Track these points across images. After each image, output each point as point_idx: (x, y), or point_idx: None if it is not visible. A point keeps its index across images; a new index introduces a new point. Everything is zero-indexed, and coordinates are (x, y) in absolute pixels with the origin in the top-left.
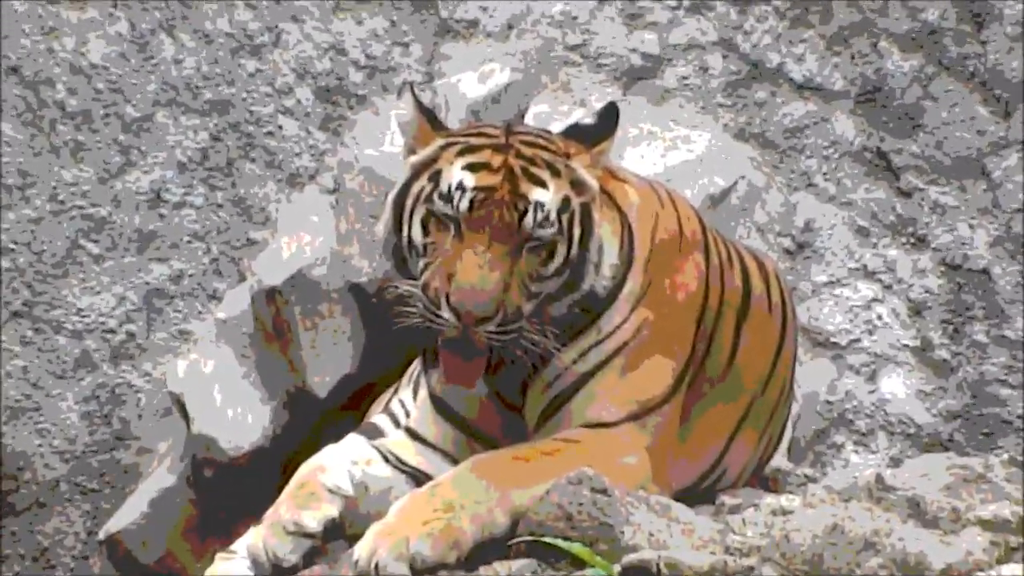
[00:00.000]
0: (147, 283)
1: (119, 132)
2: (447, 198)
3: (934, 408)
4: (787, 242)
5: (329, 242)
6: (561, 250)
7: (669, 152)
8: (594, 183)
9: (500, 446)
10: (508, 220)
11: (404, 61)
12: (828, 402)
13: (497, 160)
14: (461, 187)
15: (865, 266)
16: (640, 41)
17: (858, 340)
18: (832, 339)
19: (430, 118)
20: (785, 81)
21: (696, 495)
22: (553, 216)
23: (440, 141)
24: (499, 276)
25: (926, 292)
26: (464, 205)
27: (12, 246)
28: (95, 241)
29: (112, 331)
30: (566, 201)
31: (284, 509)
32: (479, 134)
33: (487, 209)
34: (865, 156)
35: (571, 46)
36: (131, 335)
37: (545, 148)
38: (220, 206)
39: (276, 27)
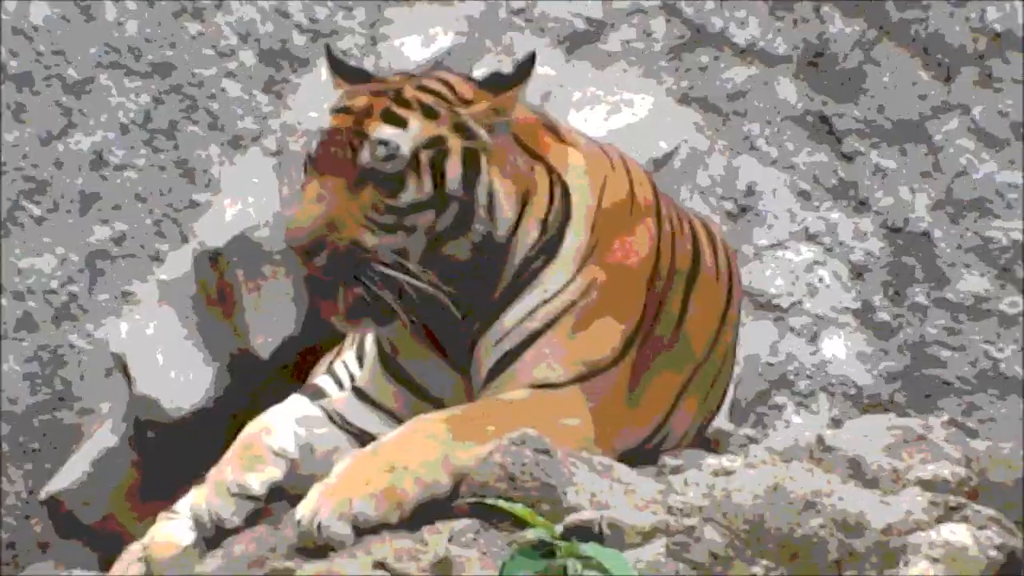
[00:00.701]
0: (89, 244)
1: (61, 94)
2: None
3: (875, 370)
4: (729, 205)
5: (272, 204)
6: (414, 184)
7: (612, 116)
8: (482, 132)
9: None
10: (342, 156)
11: (347, 24)
12: (770, 364)
13: (361, 102)
14: (317, 131)
15: (807, 229)
16: (584, 5)
17: (800, 302)
18: (774, 301)
19: (343, 72)
20: (728, 45)
21: (638, 456)
22: (405, 151)
23: (341, 92)
24: (321, 209)
25: (867, 255)
26: (313, 147)
27: None
28: (37, 203)
29: (54, 292)
30: (437, 140)
31: (229, 470)
32: (381, 81)
33: (328, 148)
34: (807, 120)
35: (515, 10)
36: (73, 296)
37: (434, 93)
38: (163, 168)
39: None
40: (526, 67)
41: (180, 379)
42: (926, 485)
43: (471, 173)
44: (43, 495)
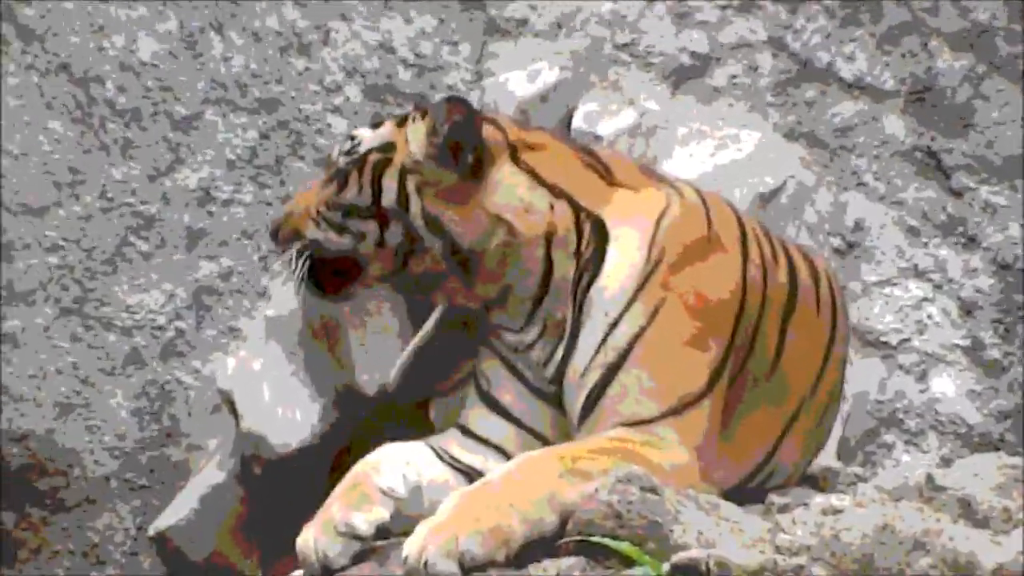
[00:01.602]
0: (196, 280)
1: (168, 130)
2: None
3: (985, 408)
4: (837, 241)
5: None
6: (355, 185)
7: (718, 151)
8: (413, 149)
9: (549, 440)
10: (331, 155)
11: (453, 60)
12: (879, 401)
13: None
14: None
15: (916, 265)
16: (689, 40)
17: (909, 340)
18: (883, 338)
19: None
20: (835, 80)
21: (745, 495)
22: (361, 148)
23: None
24: (296, 200)
25: (977, 292)
26: None
27: (62, 243)
28: (144, 238)
29: (161, 328)
30: (389, 147)
31: (336, 509)
32: None
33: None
34: (915, 155)
35: (620, 45)
36: (180, 332)
37: (428, 113)
38: (269, 204)
39: (325, 25)
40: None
41: (287, 415)
42: None
43: (403, 192)
44: (151, 531)
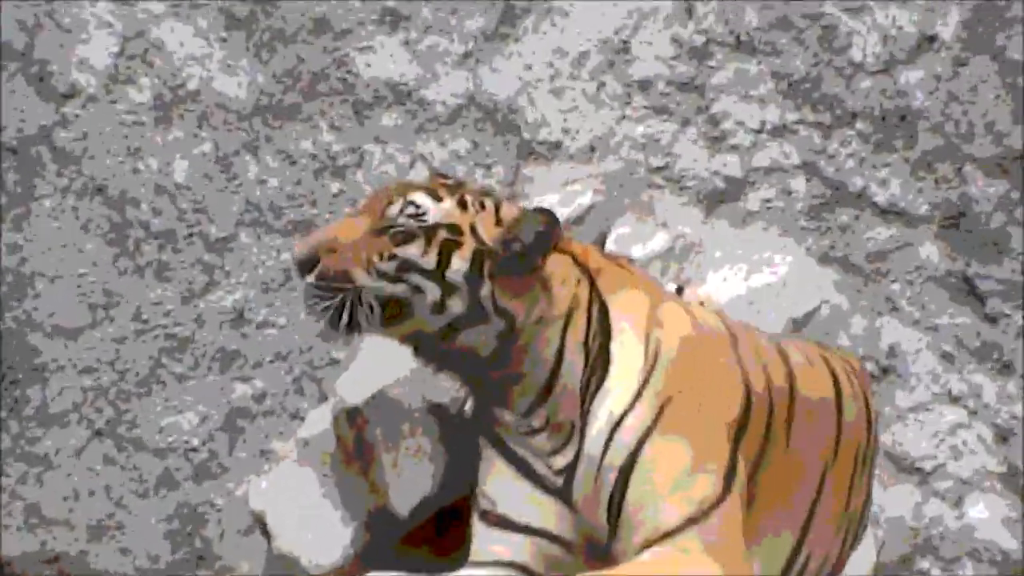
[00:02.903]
0: (229, 402)
1: (203, 252)
2: None
3: (1021, 535)
4: (871, 366)
5: (409, 361)
6: (419, 248)
7: (752, 275)
8: (486, 238)
9: (562, 539)
10: (377, 204)
11: (487, 182)
12: (913, 528)
13: (425, 181)
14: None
15: (950, 391)
16: (723, 164)
17: (943, 465)
18: (917, 464)
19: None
20: (868, 205)
21: None
22: (428, 218)
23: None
24: (332, 235)
25: (1012, 418)
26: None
27: (95, 365)
28: (178, 360)
29: (195, 450)
30: (456, 229)
31: None
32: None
33: (373, 197)
34: (950, 281)
35: (654, 168)
36: (213, 454)
37: (480, 200)
38: (303, 325)
39: (359, 148)
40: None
41: (319, 537)
42: None
43: (474, 273)
44: None
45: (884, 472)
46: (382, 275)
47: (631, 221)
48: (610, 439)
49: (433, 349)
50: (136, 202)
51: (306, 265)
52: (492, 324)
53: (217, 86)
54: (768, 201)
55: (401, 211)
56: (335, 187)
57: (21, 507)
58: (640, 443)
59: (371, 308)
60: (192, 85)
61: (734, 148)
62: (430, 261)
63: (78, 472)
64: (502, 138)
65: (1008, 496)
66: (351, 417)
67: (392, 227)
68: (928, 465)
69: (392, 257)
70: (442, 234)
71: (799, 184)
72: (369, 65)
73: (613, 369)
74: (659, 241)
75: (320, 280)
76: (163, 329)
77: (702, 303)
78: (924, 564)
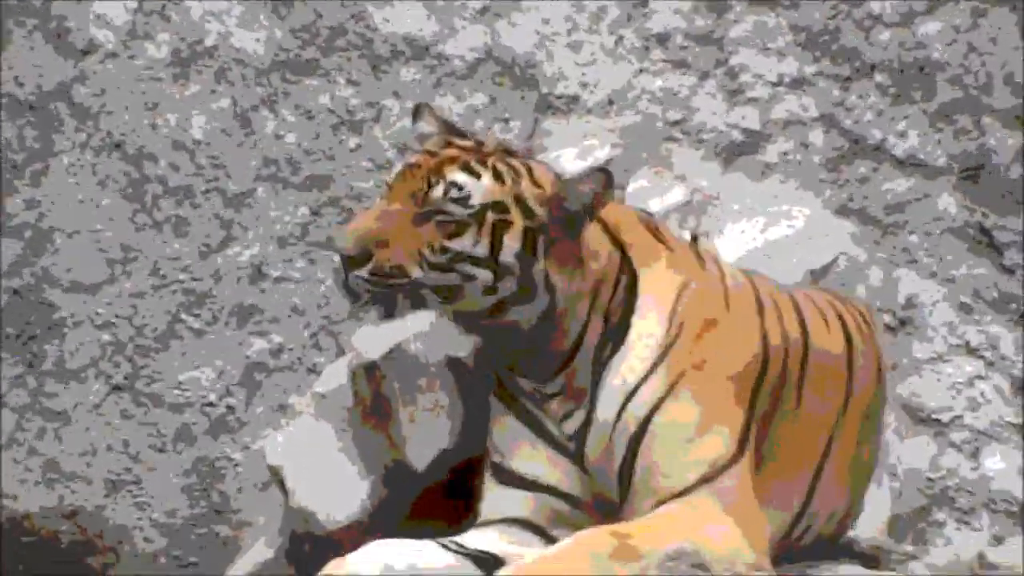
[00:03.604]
0: (247, 357)
1: (220, 207)
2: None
3: None
4: (888, 318)
5: (427, 315)
6: (472, 237)
7: (769, 228)
8: (538, 210)
9: (571, 497)
10: (416, 188)
11: (505, 136)
12: (930, 479)
13: (448, 151)
14: (402, 162)
15: (968, 342)
16: (741, 117)
17: (960, 417)
18: (934, 416)
19: (451, 130)
20: (887, 157)
21: (795, 558)
22: (474, 201)
23: (435, 136)
24: (379, 225)
25: None
26: (392, 175)
27: (113, 320)
28: (196, 315)
29: (212, 404)
30: (501, 207)
31: None
32: (472, 140)
33: (405, 179)
34: (968, 232)
35: (671, 122)
36: (231, 408)
37: (510, 165)
38: (320, 281)
39: (377, 103)
40: (603, 177)
41: (336, 492)
42: None
43: (527, 253)
44: None
45: (901, 424)
46: (434, 267)
47: (649, 175)
48: (623, 408)
49: (475, 322)
50: (154, 157)
51: (358, 259)
52: (539, 300)
53: (235, 42)
54: (786, 154)
55: (445, 194)
56: (353, 142)
57: (39, 462)
58: (652, 411)
59: (422, 297)
60: (210, 41)
61: (752, 101)
62: (483, 248)
63: (96, 427)
64: (520, 92)
65: None
66: (368, 372)
67: (438, 213)
68: (945, 416)
69: (444, 250)
70: (490, 217)
71: (817, 137)
72: (387, 20)
73: (631, 339)
74: (676, 194)
75: (374, 275)
76: (180, 284)
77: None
78: (940, 515)
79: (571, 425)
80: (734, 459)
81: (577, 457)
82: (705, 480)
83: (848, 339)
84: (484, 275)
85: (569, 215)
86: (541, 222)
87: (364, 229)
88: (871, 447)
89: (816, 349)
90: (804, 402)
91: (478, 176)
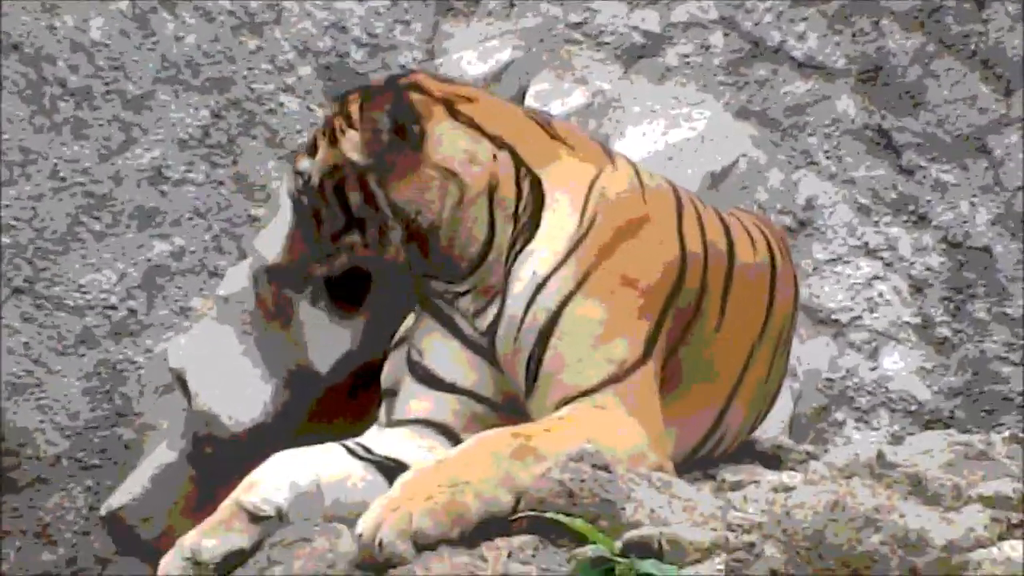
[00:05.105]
0: (148, 260)
1: (120, 109)
2: None
3: (935, 385)
4: (788, 220)
5: None
6: (328, 215)
7: (670, 130)
8: (354, 156)
9: (489, 401)
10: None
11: (405, 39)
12: (829, 379)
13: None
14: None
15: (866, 244)
16: (641, 19)
17: (859, 317)
18: (833, 316)
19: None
20: (786, 59)
21: (696, 466)
22: (315, 182)
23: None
24: (293, 253)
25: (927, 270)
26: None
27: (13, 223)
28: (96, 218)
29: (113, 307)
30: (334, 169)
31: (193, 532)
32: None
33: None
34: (866, 134)
35: (572, 24)
36: (132, 311)
37: (346, 115)
38: (221, 183)
39: (277, 5)
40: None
41: (238, 394)
42: (987, 501)
43: (368, 195)
44: (103, 511)
45: (801, 325)
46: (325, 257)
47: (549, 77)
48: (532, 300)
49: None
50: (52, 59)
51: (298, 287)
52: (397, 233)
53: None
54: (686, 56)
55: (296, 188)
56: (253, 44)
57: None
58: (562, 305)
59: (352, 282)
60: None
61: (652, 3)
62: (339, 218)
63: None
64: None
65: (922, 347)
66: (270, 275)
67: (300, 211)
68: (844, 317)
69: (322, 240)
70: (327, 185)
71: (717, 39)
72: None
73: (541, 233)
74: (577, 97)
75: (297, 291)
76: (81, 187)
77: None
78: (839, 415)
79: (483, 321)
80: (640, 361)
81: (490, 354)
82: (611, 380)
83: (772, 259)
84: (355, 238)
85: (389, 141)
86: (365, 163)
87: (283, 263)
88: (780, 368)
89: (741, 264)
90: (726, 321)
91: (315, 152)
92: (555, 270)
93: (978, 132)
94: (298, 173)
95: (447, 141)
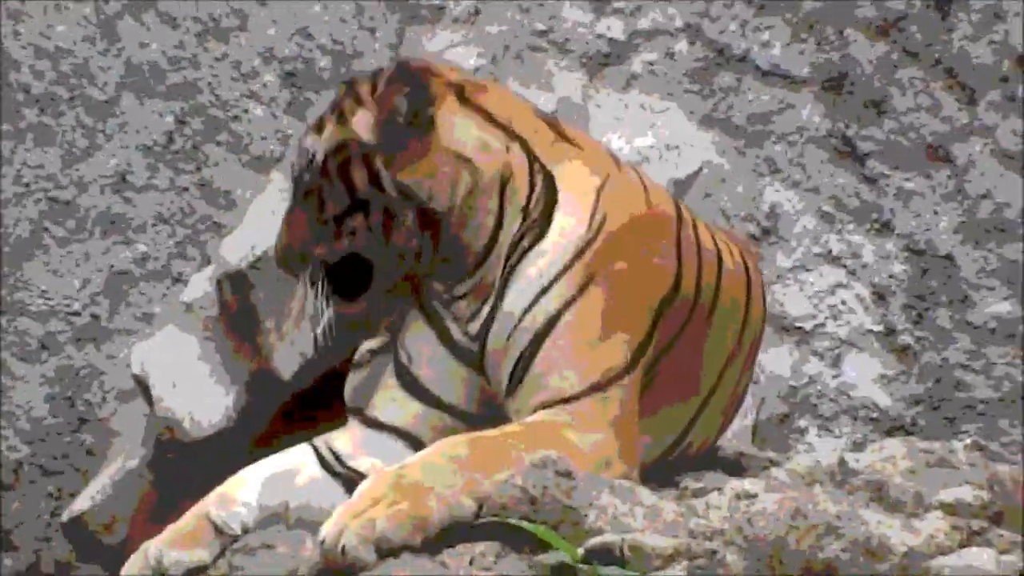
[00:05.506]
0: (112, 266)
1: (84, 115)
2: None
3: (897, 393)
4: (752, 227)
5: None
6: (331, 195)
7: (635, 138)
8: (362, 136)
9: (467, 415)
10: (295, 174)
11: (371, 46)
12: (792, 386)
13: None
14: None
15: (830, 251)
16: (607, 27)
17: (822, 325)
18: (796, 324)
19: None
20: (751, 68)
21: (659, 472)
22: (320, 159)
23: None
24: (294, 232)
25: (890, 277)
26: None
27: None
28: (60, 224)
29: (76, 313)
30: (340, 147)
31: (159, 541)
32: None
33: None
34: (830, 142)
35: (538, 31)
36: (95, 317)
37: (356, 97)
38: (185, 189)
39: (242, 11)
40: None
41: (201, 400)
42: (949, 509)
43: (373, 175)
44: (65, 517)
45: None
46: (331, 237)
47: (515, 84)
48: (535, 302)
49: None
50: (16, 65)
51: (285, 267)
52: (406, 216)
53: None
54: (651, 64)
55: (300, 167)
56: (218, 50)
57: None
58: (562, 309)
59: (352, 272)
60: None
61: (618, 11)
62: (343, 199)
63: None
64: (387, 2)
65: (884, 355)
66: (234, 281)
67: (303, 189)
68: (807, 325)
69: (324, 221)
70: (331, 165)
71: (682, 47)
72: None
73: (552, 234)
74: (543, 104)
75: (293, 273)
76: (44, 193)
77: None
78: (802, 422)
79: (475, 325)
80: (625, 371)
81: (476, 358)
82: (593, 388)
83: (746, 268)
84: (359, 221)
85: (402, 123)
86: (374, 144)
87: (282, 243)
88: (748, 376)
89: (728, 271)
90: (712, 329)
91: (321, 128)
92: (560, 274)
93: (941, 140)
94: (303, 150)
95: (459, 127)
